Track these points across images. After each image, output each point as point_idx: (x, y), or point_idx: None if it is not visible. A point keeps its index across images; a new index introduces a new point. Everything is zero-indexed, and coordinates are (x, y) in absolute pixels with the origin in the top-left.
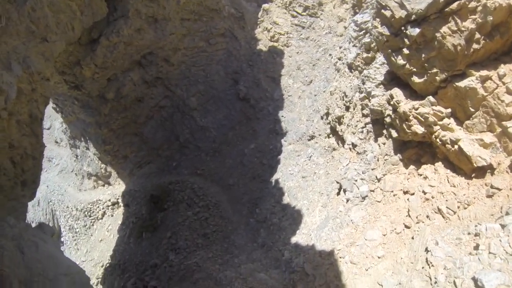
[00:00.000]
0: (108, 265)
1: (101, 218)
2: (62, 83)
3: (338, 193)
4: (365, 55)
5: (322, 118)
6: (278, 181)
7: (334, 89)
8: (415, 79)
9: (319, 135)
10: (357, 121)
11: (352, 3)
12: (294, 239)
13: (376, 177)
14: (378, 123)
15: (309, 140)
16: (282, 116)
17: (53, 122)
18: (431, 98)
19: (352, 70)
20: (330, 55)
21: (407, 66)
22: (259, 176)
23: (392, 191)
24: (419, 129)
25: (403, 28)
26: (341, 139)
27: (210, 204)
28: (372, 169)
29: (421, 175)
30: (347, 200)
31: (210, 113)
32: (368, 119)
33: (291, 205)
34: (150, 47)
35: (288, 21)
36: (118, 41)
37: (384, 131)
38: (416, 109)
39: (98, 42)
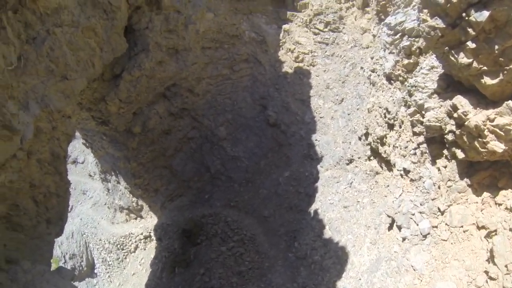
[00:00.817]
0: None
1: (134, 252)
2: (90, 119)
3: (390, 228)
4: (405, 61)
5: (360, 139)
6: (317, 212)
7: (372, 106)
8: (487, 80)
9: (359, 158)
10: (407, 141)
11: (376, 10)
12: (340, 284)
13: (439, 209)
14: (435, 142)
15: (347, 164)
16: (316, 140)
17: (87, 156)
18: (510, 103)
19: (392, 81)
20: (361, 68)
21: (475, 64)
22: (296, 206)
23: (462, 227)
24: (499, 146)
25: (463, 14)
26: (385, 162)
27: (245, 238)
28: (433, 200)
29: (500, 204)
30: (404, 239)
31: (240, 142)
32: (421, 138)
33: (333, 240)
34: (173, 78)
35: (310, 40)
36: (141, 74)
37: (445, 151)
38: (492, 120)
39: (121, 77)
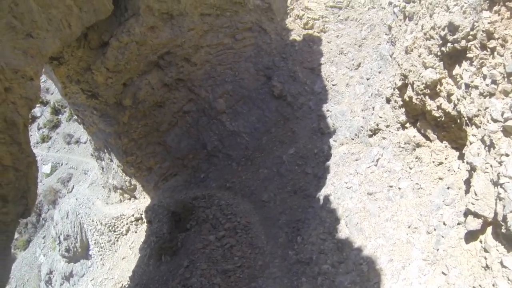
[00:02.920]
0: (126, 287)
1: (126, 234)
2: (80, 93)
3: (474, 237)
4: None
5: (389, 100)
6: (328, 199)
7: (413, 42)
8: None
9: (387, 126)
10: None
11: None
12: None
13: None
14: None
15: (370, 136)
16: (328, 111)
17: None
18: None
19: None
20: (390, 3)
21: None
22: (302, 190)
23: None
24: None
25: None
26: (433, 126)
27: (238, 227)
28: None
29: None
30: None
31: (241, 116)
32: None
33: (353, 244)
34: (167, 46)
35: (321, 4)
36: (129, 41)
37: None
38: None
39: (109, 44)
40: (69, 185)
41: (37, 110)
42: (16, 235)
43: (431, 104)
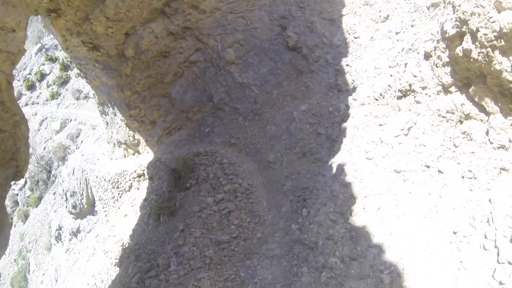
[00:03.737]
0: (126, 246)
1: (129, 191)
2: (81, 46)
3: None
4: None
5: (428, 57)
6: (342, 169)
7: None
8: None
9: (423, 88)
10: None
11: None
12: None
13: None
14: None
15: (400, 97)
16: (347, 65)
17: None
18: None
19: None
20: None
21: None
22: (312, 152)
23: None
24: None
25: None
26: (502, 95)
27: (239, 190)
28: None
29: None
30: None
31: (251, 67)
32: None
33: (371, 237)
34: None
35: None
36: None
37: None
38: None
39: None
40: (77, 140)
41: (46, 68)
42: (28, 193)
43: (502, 62)
